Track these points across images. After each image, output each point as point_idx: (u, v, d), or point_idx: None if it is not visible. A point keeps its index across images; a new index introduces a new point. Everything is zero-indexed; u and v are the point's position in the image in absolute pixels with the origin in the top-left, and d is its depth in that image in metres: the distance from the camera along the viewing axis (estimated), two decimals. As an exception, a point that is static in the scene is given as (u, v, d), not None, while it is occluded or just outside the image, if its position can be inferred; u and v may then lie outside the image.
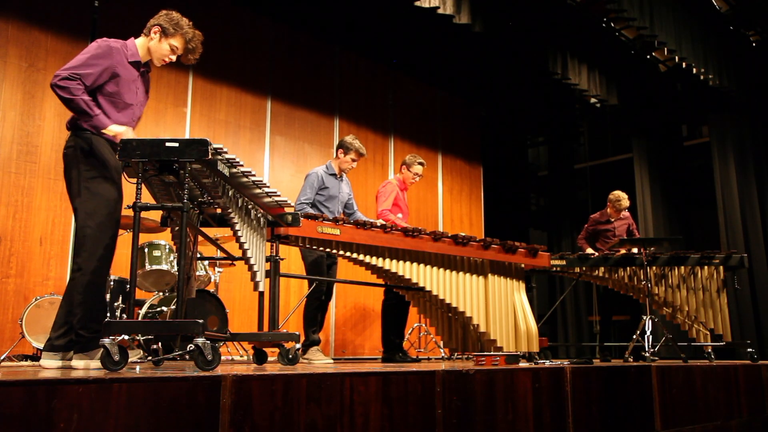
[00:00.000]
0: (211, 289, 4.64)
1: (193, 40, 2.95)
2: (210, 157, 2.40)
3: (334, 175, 4.82)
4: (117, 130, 2.68)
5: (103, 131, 2.69)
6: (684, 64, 6.99)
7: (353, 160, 4.81)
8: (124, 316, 4.16)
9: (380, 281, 4.41)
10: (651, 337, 4.85)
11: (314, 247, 3.53)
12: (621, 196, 5.90)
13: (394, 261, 3.71)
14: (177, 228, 2.89)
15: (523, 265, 4.23)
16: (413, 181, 5.21)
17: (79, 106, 2.65)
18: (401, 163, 5.26)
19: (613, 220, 5.97)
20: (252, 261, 2.88)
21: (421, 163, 5.17)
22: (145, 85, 3.02)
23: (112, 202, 2.74)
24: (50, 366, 2.59)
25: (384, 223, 3.86)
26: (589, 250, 5.74)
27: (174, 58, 2.98)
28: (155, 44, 2.92)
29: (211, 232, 3.58)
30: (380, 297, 5.15)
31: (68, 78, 2.64)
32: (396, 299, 5.00)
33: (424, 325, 6.79)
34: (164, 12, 2.96)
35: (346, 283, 5.65)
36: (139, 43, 2.94)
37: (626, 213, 6.07)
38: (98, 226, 2.66)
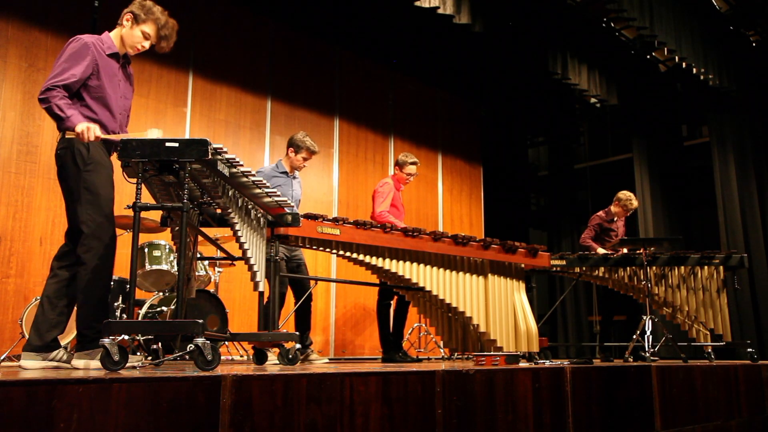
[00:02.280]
0: (211, 289, 4.64)
1: (165, 26, 2.88)
2: (210, 157, 2.40)
3: (285, 173, 4.75)
4: (79, 129, 2.62)
5: (70, 131, 2.67)
6: (684, 64, 6.99)
7: (305, 159, 4.74)
8: (124, 316, 4.16)
9: (380, 281, 4.41)
10: (651, 337, 4.85)
11: (314, 248, 3.54)
12: (632, 196, 5.80)
13: (394, 261, 3.70)
14: (177, 228, 2.89)
15: (523, 265, 4.23)
16: (408, 181, 5.19)
17: (52, 110, 2.65)
18: (395, 163, 5.24)
19: (616, 219, 5.91)
20: (252, 261, 2.88)
21: (413, 163, 5.13)
22: (128, 78, 2.98)
23: (110, 202, 2.75)
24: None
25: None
26: (601, 250, 5.60)
27: (147, 45, 2.91)
28: (127, 32, 2.87)
29: (211, 232, 3.58)
30: (380, 297, 5.15)
31: (48, 89, 2.64)
32: (390, 300, 5.01)
33: (424, 325, 6.79)
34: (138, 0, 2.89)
35: (346, 283, 5.66)
36: (114, 34, 2.90)
37: None
38: (99, 226, 2.67)
